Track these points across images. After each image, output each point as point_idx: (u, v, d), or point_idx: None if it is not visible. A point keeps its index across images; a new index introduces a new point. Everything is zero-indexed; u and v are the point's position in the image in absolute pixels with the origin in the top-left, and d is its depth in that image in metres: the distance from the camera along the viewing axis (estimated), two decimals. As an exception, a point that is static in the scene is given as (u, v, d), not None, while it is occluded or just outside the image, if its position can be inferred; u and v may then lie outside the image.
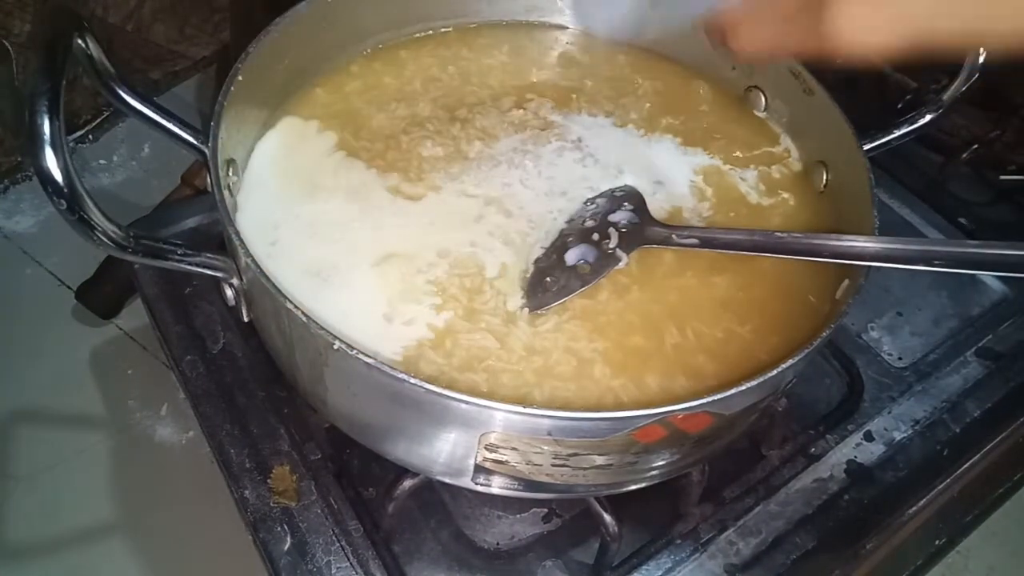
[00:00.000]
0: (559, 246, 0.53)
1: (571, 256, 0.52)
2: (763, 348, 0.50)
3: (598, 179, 0.58)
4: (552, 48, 0.69)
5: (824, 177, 0.59)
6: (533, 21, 0.70)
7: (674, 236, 0.52)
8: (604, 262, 0.52)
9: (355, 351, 0.40)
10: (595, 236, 0.53)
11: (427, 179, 0.57)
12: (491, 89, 0.64)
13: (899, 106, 0.86)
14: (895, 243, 0.46)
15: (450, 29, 0.68)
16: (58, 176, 0.37)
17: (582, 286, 0.50)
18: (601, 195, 0.56)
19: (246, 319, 0.51)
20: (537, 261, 0.52)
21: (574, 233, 0.53)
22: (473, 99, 0.63)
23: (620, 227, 0.53)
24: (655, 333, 0.50)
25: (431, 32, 0.68)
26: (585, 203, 0.56)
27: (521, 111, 0.62)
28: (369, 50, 0.65)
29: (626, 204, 0.55)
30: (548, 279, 0.51)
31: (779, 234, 0.51)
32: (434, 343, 0.48)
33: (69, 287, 1.03)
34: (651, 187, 0.58)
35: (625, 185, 0.57)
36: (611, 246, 0.52)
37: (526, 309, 0.50)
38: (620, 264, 0.52)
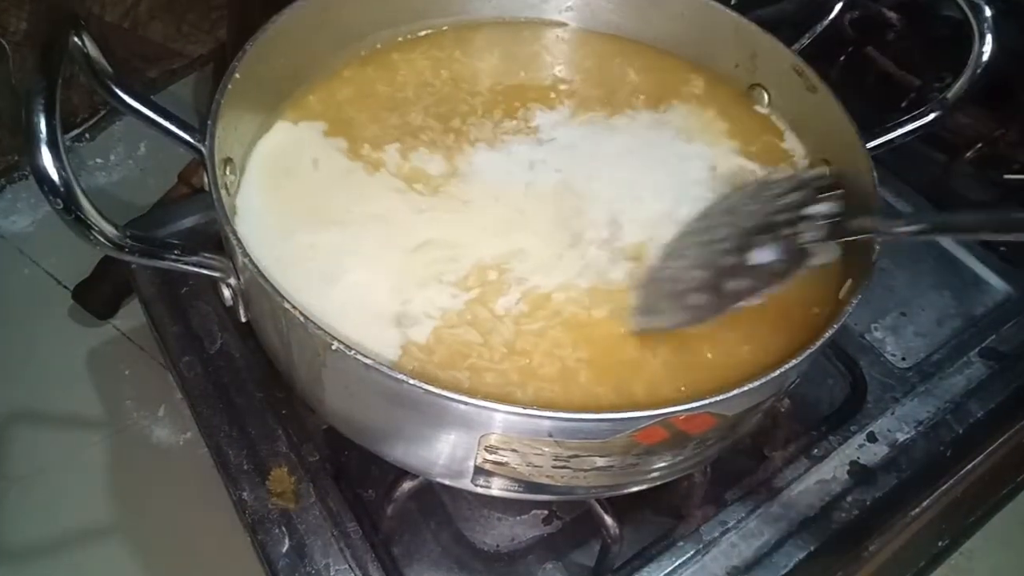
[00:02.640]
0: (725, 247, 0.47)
1: (758, 255, 0.47)
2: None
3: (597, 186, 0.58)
4: (551, 47, 0.69)
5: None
6: (532, 19, 0.69)
7: (897, 227, 0.45)
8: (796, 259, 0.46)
9: (353, 351, 0.39)
10: (785, 231, 0.47)
11: (429, 181, 0.57)
12: (483, 96, 0.63)
13: (903, 104, 0.86)
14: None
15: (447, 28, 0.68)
16: (54, 175, 0.36)
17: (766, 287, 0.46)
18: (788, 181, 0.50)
19: (243, 319, 0.50)
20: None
21: (755, 229, 0.47)
22: (465, 107, 0.62)
23: (818, 220, 0.47)
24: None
25: (430, 31, 0.67)
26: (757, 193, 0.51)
27: (514, 121, 0.61)
28: (364, 52, 0.65)
29: (822, 195, 0.48)
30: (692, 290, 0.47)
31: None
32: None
33: (66, 287, 1.02)
34: (654, 189, 0.58)
35: (822, 172, 0.53)
36: (807, 239, 0.46)
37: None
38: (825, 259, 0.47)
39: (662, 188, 0.58)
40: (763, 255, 0.47)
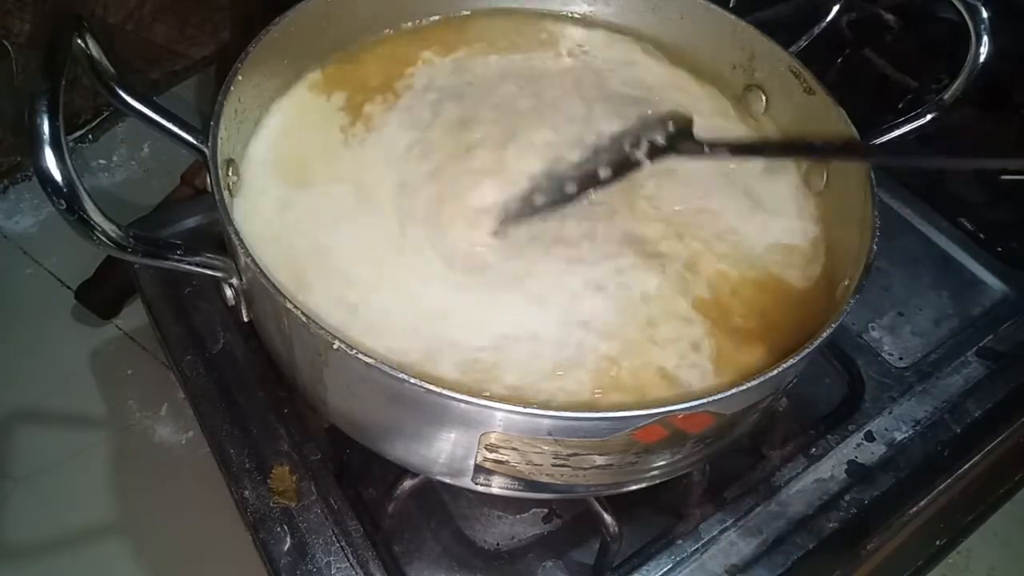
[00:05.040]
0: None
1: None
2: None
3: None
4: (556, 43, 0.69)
5: (824, 176, 0.59)
6: (544, 10, 0.69)
7: (705, 148, 0.53)
8: (624, 168, 0.54)
9: (355, 351, 0.40)
10: (626, 146, 0.55)
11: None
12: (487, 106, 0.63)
13: (900, 105, 0.86)
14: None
15: (439, 18, 0.68)
16: (58, 176, 0.37)
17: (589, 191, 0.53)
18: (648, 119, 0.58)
19: (246, 319, 0.51)
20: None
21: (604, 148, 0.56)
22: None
23: (655, 139, 0.54)
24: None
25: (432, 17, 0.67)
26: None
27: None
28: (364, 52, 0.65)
29: (670, 123, 0.55)
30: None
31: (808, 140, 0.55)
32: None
33: (69, 287, 1.02)
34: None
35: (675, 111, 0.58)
36: (638, 155, 0.54)
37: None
38: (640, 168, 0.54)
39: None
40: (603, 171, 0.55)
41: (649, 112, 0.61)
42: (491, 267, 0.52)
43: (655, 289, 0.52)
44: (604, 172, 0.55)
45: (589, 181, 0.55)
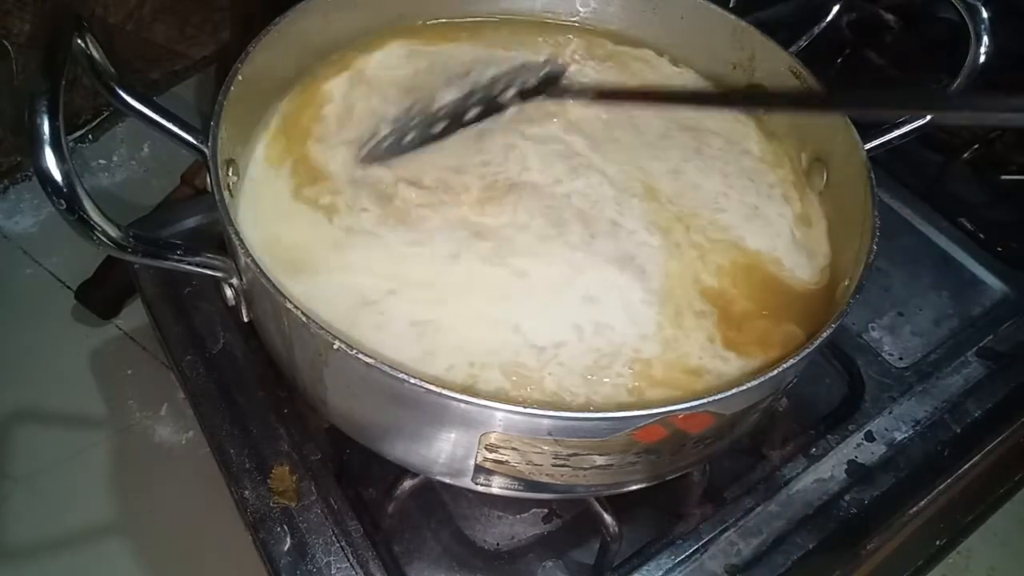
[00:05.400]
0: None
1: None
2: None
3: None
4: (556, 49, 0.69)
5: (824, 176, 0.59)
6: (547, 19, 0.70)
7: (571, 92, 0.58)
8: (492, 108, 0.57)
9: (355, 351, 0.40)
10: (497, 88, 0.57)
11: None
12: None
13: (900, 106, 0.86)
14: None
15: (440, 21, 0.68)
16: (58, 176, 0.37)
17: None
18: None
19: (246, 319, 0.51)
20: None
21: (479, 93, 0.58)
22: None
23: (527, 82, 0.57)
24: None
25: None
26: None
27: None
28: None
29: (542, 72, 0.58)
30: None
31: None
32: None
33: (69, 287, 1.02)
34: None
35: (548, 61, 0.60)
36: (505, 98, 0.57)
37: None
38: (505, 112, 0.57)
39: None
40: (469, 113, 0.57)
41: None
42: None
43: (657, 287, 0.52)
44: (472, 112, 0.57)
45: (456, 120, 0.57)
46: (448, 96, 0.58)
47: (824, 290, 0.54)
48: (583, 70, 0.66)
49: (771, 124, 0.63)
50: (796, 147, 0.62)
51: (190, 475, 0.88)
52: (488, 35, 0.68)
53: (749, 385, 0.42)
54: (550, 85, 0.57)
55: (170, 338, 0.65)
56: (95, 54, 0.46)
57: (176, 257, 0.44)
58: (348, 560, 0.54)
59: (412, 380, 0.39)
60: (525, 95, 0.57)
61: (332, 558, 0.54)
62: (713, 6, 0.64)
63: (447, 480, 0.50)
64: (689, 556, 0.57)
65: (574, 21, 0.70)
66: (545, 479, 0.46)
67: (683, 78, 0.67)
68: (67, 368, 0.97)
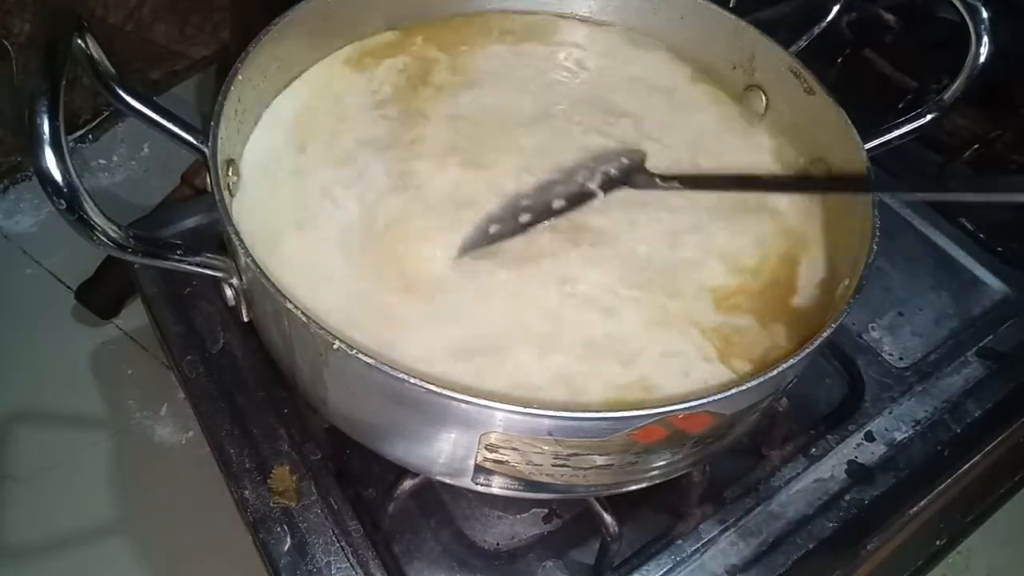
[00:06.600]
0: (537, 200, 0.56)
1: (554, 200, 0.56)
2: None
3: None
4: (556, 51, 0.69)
5: (825, 176, 0.59)
6: (548, 12, 0.69)
7: (657, 180, 0.57)
8: (579, 199, 0.56)
9: (355, 351, 0.40)
10: (579, 177, 0.57)
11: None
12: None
13: (900, 106, 0.86)
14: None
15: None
16: (58, 176, 0.37)
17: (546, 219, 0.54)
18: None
19: (246, 319, 0.51)
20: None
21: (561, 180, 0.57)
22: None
23: (609, 172, 0.57)
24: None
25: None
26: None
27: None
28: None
29: (623, 158, 0.59)
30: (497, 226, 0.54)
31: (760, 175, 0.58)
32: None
33: (69, 287, 1.02)
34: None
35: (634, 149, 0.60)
36: (591, 186, 0.56)
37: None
38: (595, 200, 0.56)
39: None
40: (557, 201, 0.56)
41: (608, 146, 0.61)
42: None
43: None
44: (558, 203, 0.56)
45: (544, 211, 0.55)
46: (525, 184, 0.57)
47: (823, 290, 0.54)
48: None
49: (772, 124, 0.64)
50: (796, 147, 0.62)
51: (190, 475, 0.89)
52: (494, 30, 0.68)
53: (749, 385, 0.42)
54: (633, 174, 0.57)
55: (170, 338, 0.65)
56: (95, 54, 0.46)
57: (176, 257, 0.44)
58: (348, 560, 0.54)
59: (412, 380, 0.39)
60: (608, 185, 0.57)
61: (332, 558, 0.54)
62: (713, 6, 0.64)
63: (447, 480, 0.50)
64: (689, 556, 0.57)
65: (574, 21, 0.70)
66: (545, 479, 0.46)
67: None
68: (67, 368, 0.98)
